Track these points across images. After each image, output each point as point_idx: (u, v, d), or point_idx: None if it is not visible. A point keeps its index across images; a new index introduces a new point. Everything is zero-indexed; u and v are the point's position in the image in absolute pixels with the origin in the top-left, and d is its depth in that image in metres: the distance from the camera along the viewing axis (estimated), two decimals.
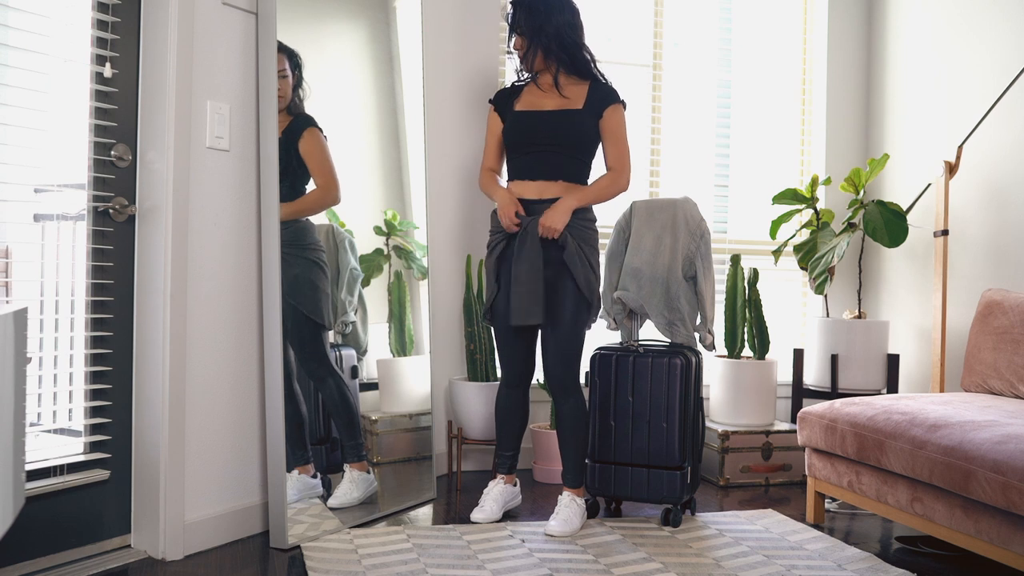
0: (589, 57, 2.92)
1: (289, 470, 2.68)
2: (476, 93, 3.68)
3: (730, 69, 4.25)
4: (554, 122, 2.84)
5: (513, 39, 2.93)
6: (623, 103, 2.91)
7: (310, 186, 2.78)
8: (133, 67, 2.49)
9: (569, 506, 2.83)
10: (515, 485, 3.04)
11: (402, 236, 3.21)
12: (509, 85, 3.04)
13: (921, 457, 2.44)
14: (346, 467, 2.85)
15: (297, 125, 2.73)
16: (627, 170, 2.91)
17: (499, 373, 3.29)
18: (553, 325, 2.84)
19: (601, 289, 3.12)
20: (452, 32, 3.61)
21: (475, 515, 2.89)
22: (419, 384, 3.26)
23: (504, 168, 3.06)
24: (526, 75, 2.97)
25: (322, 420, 2.86)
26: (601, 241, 3.84)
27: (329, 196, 2.82)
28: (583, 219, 2.87)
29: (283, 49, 2.68)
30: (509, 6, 2.93)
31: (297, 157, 2.72)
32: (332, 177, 2.80)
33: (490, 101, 3.01)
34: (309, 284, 2.74)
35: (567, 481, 2.91)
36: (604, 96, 2.87)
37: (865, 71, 4.25)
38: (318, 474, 2.82)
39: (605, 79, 2.93)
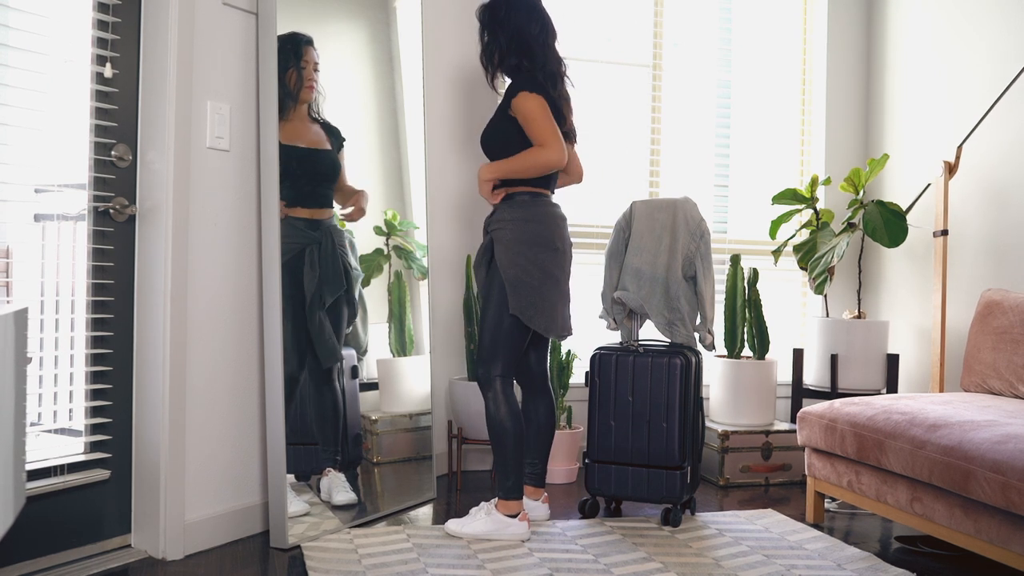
0: (517, 55, 2.79)
1: (323, 469, 2.86)
2: (476, 93, 3.68)
3: (730, 69, 4.25)
4: (481, 136, 2.87)
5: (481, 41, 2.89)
6: (528, 90, 2.71)
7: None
8: (133, 67, 2.49)
9: (476, 515, 2.74)
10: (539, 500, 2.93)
11: (402, 236, 3.21)
12: None
13: (921, 457, 2.44)
14: (330, 470, 2.86)
15: (337, 135, 2.90)
16: (551, 144, 2.69)
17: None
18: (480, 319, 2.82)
19: (601, 289, 3.13)
20: (452, 32, 3.61)
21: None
22: (419, 384, 3.26)
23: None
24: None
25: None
26: (601, 241, 3.88)
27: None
28: (497, 219, 2.77)
29: (312, 44, 2.78)
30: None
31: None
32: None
33: None
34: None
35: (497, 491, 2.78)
36: (508, 93, 2.77)
37: (865, 71, 4.25)
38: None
39: (525, 74, 2.79)
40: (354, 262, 2.94)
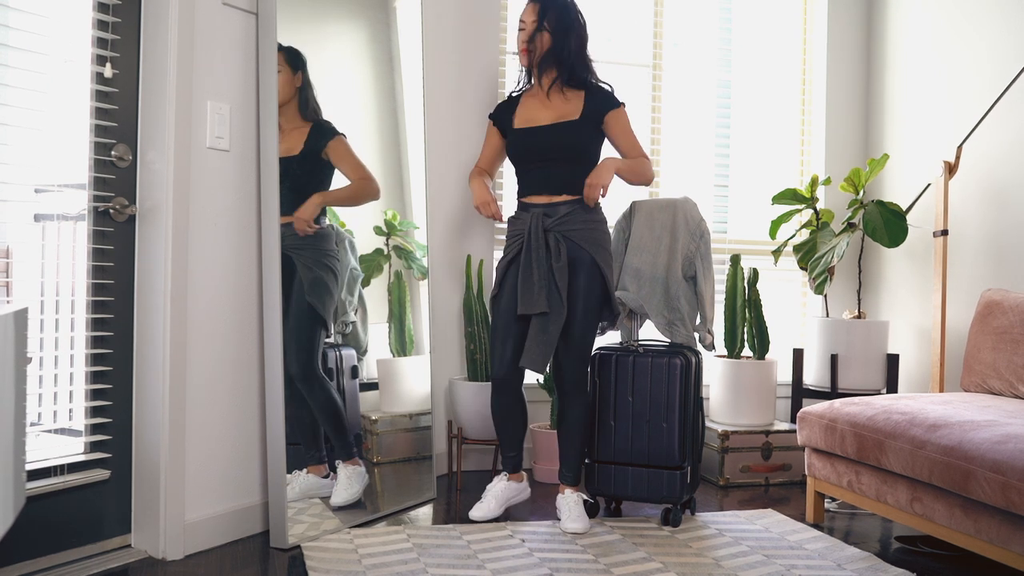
0: (589, 67, 2.93)
1: (301, 468, 2.76)
2: (476, 94, 3.68)
3: (730, 69, 4.25)
4: (552, 135, 2.85)
5: (532, 36, 2.86)
6: (623, 104, 2.92)
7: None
8: (133, 67, 2.49)
9: (579, 503, 2.87)
10: (522, 481, 3.02)
11: (402, 236, 3.21)
12: (506, 97, 3.06)
13: (921, 457, 2.44)
14: (339, 464, 2.85)
15: (322, 134, 2.79)
16: (646, 156, 2.94)
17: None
18: (568, 322, 2.84)
19: None
20: (452, 32, 3.61)
21: (474, 512, 2.89)
22: (419, 384, 3.26)
23: (498, 172, 3.15)
24: (522, 84, 2.99)
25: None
26: None
27: (372, 186, 2.96)
28: (591, 220, 2.86)
29: (281, 49, 2.70)
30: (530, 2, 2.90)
31: (321, 163, 2.80)
32: (369, 172, 2.94)
33: (490, 116, 3.05)
34: (326, 289, 2.79)
35: (570, 480, 2.92)
36: (602, 102, 2.87)
37: (865, 71, 4.25)
38: (330, 474, 2.84)
39: (601, 83, 2.93)
40: (354, 262, 2.93)
